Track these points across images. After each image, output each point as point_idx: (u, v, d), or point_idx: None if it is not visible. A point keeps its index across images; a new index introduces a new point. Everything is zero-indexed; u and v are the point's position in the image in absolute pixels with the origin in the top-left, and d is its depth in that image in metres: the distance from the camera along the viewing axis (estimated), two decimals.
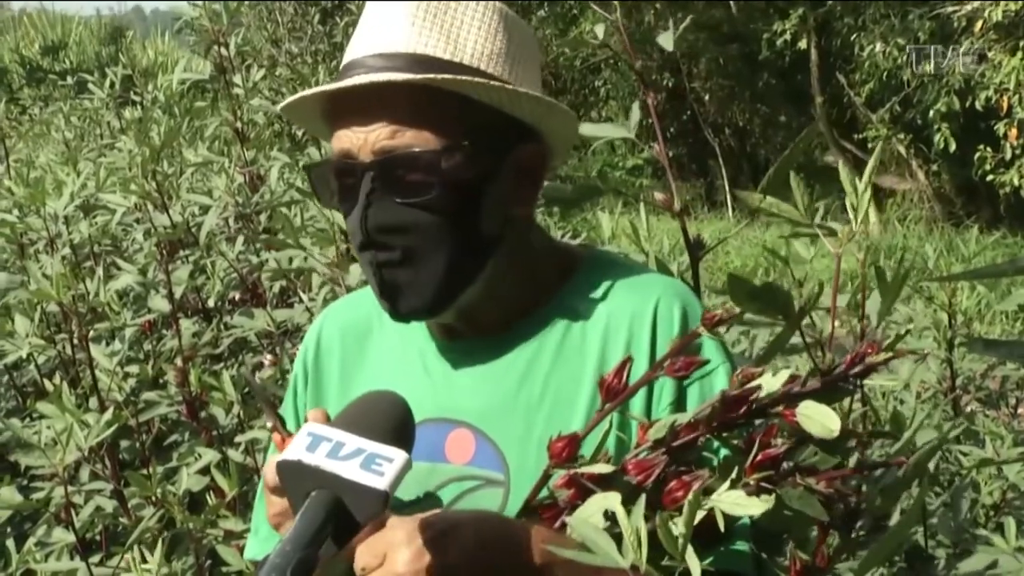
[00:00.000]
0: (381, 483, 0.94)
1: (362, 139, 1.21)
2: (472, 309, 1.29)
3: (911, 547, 1.98)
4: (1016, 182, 9.89)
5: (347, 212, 1.25)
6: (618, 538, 0.92)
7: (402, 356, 1.37)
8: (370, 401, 1.08)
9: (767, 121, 15.16)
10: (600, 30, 1.64)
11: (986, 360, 2.65)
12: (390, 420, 1.04)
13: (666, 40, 1.64)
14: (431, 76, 1.20)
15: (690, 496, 0.92)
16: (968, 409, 2.76)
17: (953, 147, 10.53)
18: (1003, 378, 2.74)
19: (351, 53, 1.27)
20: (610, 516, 1.04)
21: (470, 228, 1.25)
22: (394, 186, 1.21)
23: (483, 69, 1.25)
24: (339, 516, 0.95)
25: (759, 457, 1.05)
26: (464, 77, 1.22)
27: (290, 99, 1.27)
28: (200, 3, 3.04)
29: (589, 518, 1.03)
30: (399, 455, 0.96)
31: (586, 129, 1.71)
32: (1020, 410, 2.86)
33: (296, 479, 0.97)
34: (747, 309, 1.06)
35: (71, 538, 2.03)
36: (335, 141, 1.25)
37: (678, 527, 0.89)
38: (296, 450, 0.97)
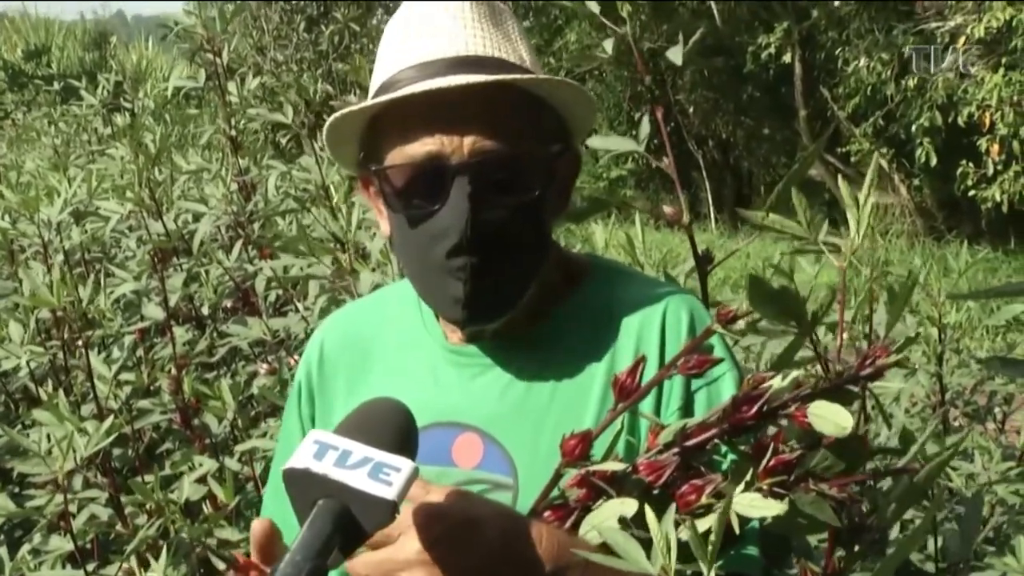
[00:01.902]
0: (390, 493, 0.93)
1: (456, 141, 1.20)
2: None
3: (901, 564, 2.00)
4: (998, 198, 9.98)
5: (423, 217, 1.23)
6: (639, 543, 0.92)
7: (409, 363, 1.37)
8: (373, 409, 1.06)
9: (751, 134, 15.25)
10: (609, 45, 1.66)
11: (974, 375, 2.67)
12: (394, 428, 1.03)
13: (675, 55, 1.66)
14: (548, 77, 1.23)
15: (712, 501, 0.93)
16: (956, 423, 2.79)
17: (935, 162, 10.62)
18: (991, 393, 2.76)
19: (416, 56, 1.25)
20: (624, 521, 1.04)
21: (542, 233, 1.28)
22: (495, 187, 1.21)
23: (540, 76, 1.28)
24: (347, 525, 0.94)
25: (772, 463, 1.05)
26: (557, 79, 1.25)
27: (388, 97, 1.22)
28: (193, 10, 3.04)
29: (603, 522, 1.04)
30: (406, 464, 0.95)
31: (595, 142, 1.73)
32: (1008, 425, 2.88)
33: (302, 487, 0.96)
34: (763, 312, 1.07)
35: (69, 546, 2.02)
36: (414, 144, 1.21)
37: (700, 530, 0.90)
38: (303, 458, 0.96)
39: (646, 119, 1.67)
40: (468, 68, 1.21)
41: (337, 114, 1.27)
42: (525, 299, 1.28)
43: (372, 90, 1.30)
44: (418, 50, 1.25)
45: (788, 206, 1.27)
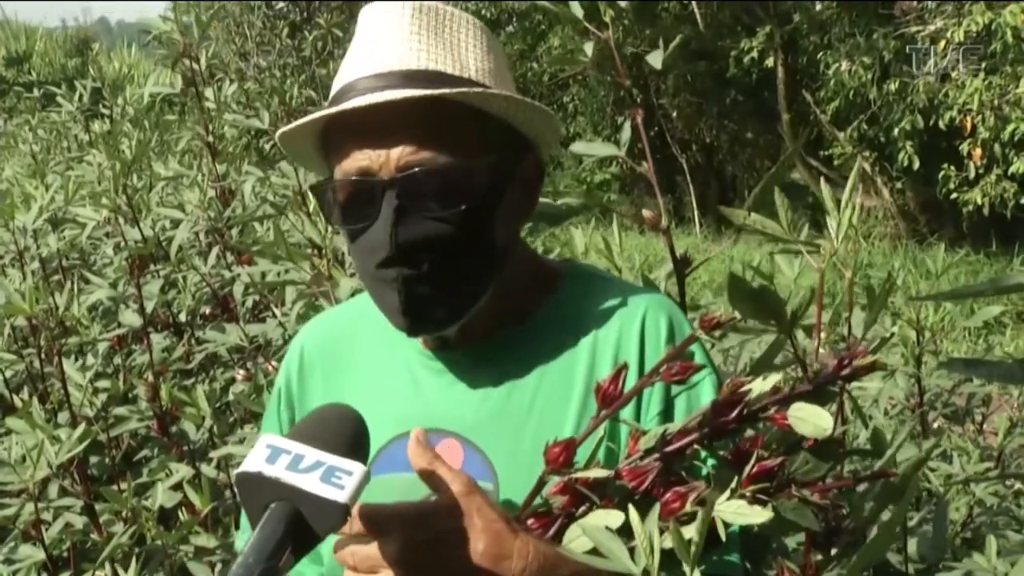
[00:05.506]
0: (342, 496, 0.94)
1: (383, 156, 1.20)
2: (470, 321, 1.29)
3: (879, 564, 2.00)
4: (979, 201, 10.03)
5: (360, 231, 1.24)
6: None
7: (388, 369, 1.37)
8: (325, 414, 1.08)
9: (734, 138, 15.28)
10: (589, 48, 1.66)
11: (953, 376, 2.68)
12: (346, 433, 1.04)
13: (655, 59, 1.66)
14: (465, 90, 1.21)
15: (697, 508, 0.93)
16: (935, 425, 2.79)
17: (917, 165, 10.66)
18: (969, 395, 2.77)
19: (355, 71, 1.26)
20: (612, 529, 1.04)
21: (487, 241, 1.26)
22: (422, 200, 1.21)
23: (488, 85, 1.27)
24: (299, 528, 0.95)
25: (755, 469, 1.05)
26: (494, 91, 1.24)
27: (302, 121, 1.25)
28: (171, 16, 3.02)
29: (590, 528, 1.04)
30: (358, 468, 0.97)
31: (577, 148, 1.73)
32: (986, 426, 2.89)
33: (255, 491, 0.97)
34: (743, 311, 1.07)
35: (40, 555, 2.01)
36: (348, 161, 1.23)
37: (686, 535, 0.90)
38: (256, 462, 0.97)
39: (627, 124, 1.67)
40: (398, 82, 1.21)
41: (278, 134, 1.29)
42: (478, 306, 1.28)
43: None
44: (357, 63, 1.26)
45: (771, 208, 1.27)
